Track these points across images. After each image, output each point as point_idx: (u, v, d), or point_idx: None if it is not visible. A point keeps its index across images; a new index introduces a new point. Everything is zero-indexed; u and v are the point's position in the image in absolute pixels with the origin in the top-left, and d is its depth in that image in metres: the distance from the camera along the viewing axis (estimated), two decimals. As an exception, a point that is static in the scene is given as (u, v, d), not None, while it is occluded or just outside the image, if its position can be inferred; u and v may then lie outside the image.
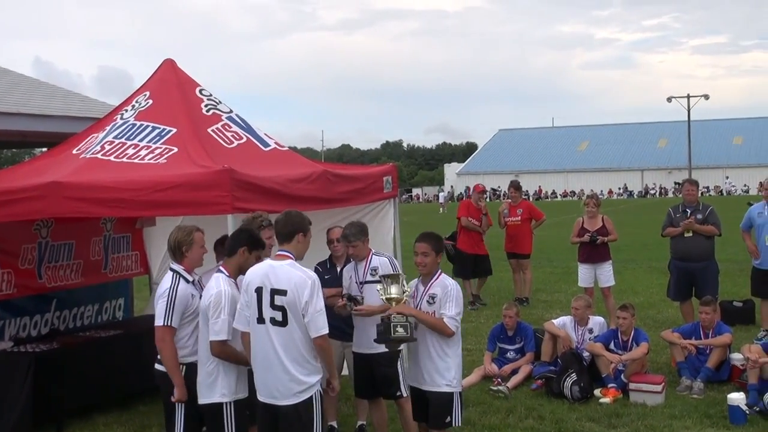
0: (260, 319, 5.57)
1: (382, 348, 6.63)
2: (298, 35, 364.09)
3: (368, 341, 6.94)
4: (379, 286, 6.11)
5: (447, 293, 6.01)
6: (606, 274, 12.42)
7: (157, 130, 7.82)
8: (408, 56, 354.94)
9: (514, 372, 9.80)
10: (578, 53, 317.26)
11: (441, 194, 76.62)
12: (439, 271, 6.19)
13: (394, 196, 9.55)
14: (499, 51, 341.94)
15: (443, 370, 6.12)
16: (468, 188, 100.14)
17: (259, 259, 6.07)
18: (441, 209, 64.77)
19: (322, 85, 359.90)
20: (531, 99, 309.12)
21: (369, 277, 7.19)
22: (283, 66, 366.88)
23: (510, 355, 10.13)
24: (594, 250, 12.31)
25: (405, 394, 7.09)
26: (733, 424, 7.97)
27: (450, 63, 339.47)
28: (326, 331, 5.50)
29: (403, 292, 6.07)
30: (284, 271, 5.54)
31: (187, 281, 6.26)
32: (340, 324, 7.67)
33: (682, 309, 11.67)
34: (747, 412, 8.06)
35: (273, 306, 5.50)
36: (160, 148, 7.63)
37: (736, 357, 9.41)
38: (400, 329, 5.90)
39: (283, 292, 5.47)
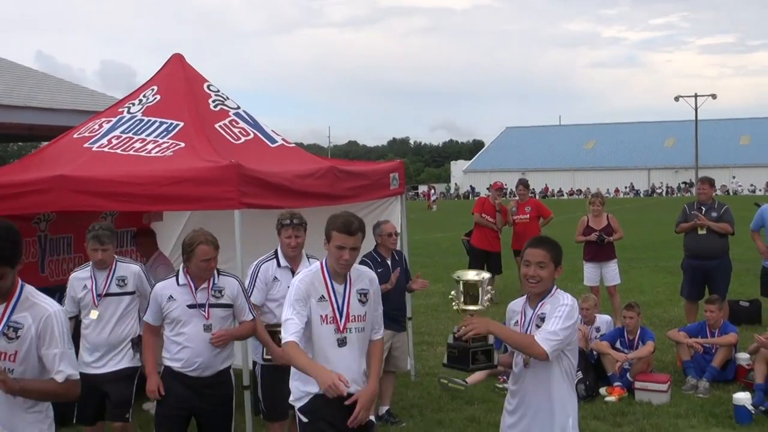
0: None
1: None
2: (305, 31, 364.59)
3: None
4: (452, 293, 4.78)
5: (557, 308, 4.55)
6: (612, 272, 12.39)
7: (164, 125, 7.85)
8: (415, 53, 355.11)
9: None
10: (585, 52, 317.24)
11: (432, 192, 76.15)
12: (555, 287, 4.72)
13: (401, 193, 9.55)
14: (506, 49, 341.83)
15: (570, 412, 4.67)
16: (472, 187, 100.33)
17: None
18: (431, 206, 64.27)
19: (329, 82, 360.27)
20: (538, 97, 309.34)
21: (115, 289, 6.62)
22: (290, 62, 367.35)
23: (515, 352, 10.12)
24: (600, 249, 12.29)
25: None
26: (738, 423, 7.95)
27: (457, 60, 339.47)
28: (286, 339, 4.78)
29: (486, 302, 4.74)
30: None
31: None
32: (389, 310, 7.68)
33: (687, 308, 11.64)
34: (752, 411, 8.05)
35: None
36: (168, 143, 7.65)
37: (742, 356, 9.40)
38: (481, 357, 4.73)
39: None
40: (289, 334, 4.74)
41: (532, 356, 4.48)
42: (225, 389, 6.06)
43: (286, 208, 7.22)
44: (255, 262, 6.62)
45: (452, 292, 4.76)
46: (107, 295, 6.58)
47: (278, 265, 6.56)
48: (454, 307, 4.73)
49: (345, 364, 4.80)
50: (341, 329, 4.89)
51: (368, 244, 8.15)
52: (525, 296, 4.81)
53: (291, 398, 4.93)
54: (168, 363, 5.99)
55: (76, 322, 6.63)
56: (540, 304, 4.66)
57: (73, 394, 4.12)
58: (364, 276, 5.09)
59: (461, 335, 4.55)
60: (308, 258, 6.60)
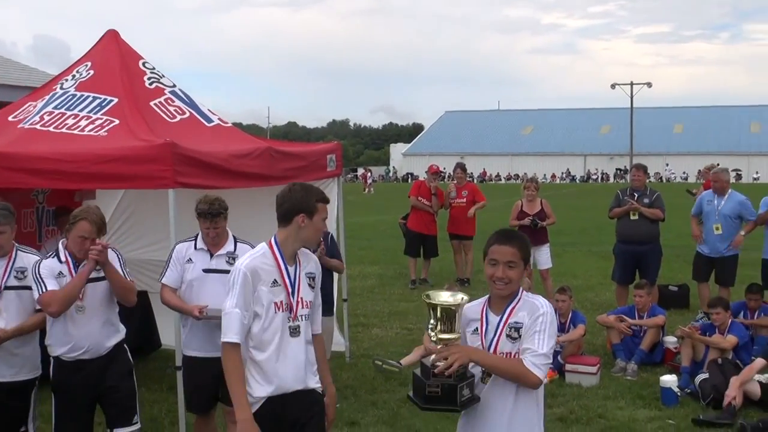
0: None
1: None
2: (245, 10, 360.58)
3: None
4: (432, 321, 3.93)
5: (537, 319, 3.84)
6: (544, 256, 12.57)
7: (98, 100, 7.70)
8: (356, 35, 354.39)
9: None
10: (525, 38, 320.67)
11: (369, 175, 76.16)
12: (521, 288, 4.03)
13: (338, 174, 9.54)
14: (446, 33, 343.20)
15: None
16: (410, 174, 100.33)
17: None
18: (366, 190, 64.17)
19: (269, 62, 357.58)
20: (478, 82, 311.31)
21: (13, 281, 5.69)
22: (230, 41, 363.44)
23: (450, 335, 10.19)
24: (533, 234, 12.43)
25: None
26: (664, 405, 8.15)
27: (398, 43, 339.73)
28: (225, 339, 4.29)
29: (458, 330, 3.96)
30: None
31: None
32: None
33: (618, 292, 11.88)
34: (678, 393, 8.25)
35: None
36: (101, 119, 7.51)
37: (670, 340, 9.63)
38: (466, 391, 3.85)
39: None
40: (233, 332, 4.26)
41: (523, 385, 3.80)
42: (123, 364, 5.80)
43: (222, 188, 7.18)
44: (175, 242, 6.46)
45: (431, 322, 3.93)
46: (6, 288, 5.67)
47: (195, 247, 6.25)
48: (432, 338, 3.91)
49: (300, 357, 4.48)
50: (294, 316, 4.46)
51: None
52: (483, 299, 4.07)
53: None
54: (56, 353, 5.63)
55: None
56: (509, 310, 3.93)
57: None
58: (310, 258, 4.67)
59: (442, 370, 3.74)
60: (236, 241, 6.31)
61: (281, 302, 4.42)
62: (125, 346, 5.92)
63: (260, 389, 4.37)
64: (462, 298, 3.92)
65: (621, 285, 11.75)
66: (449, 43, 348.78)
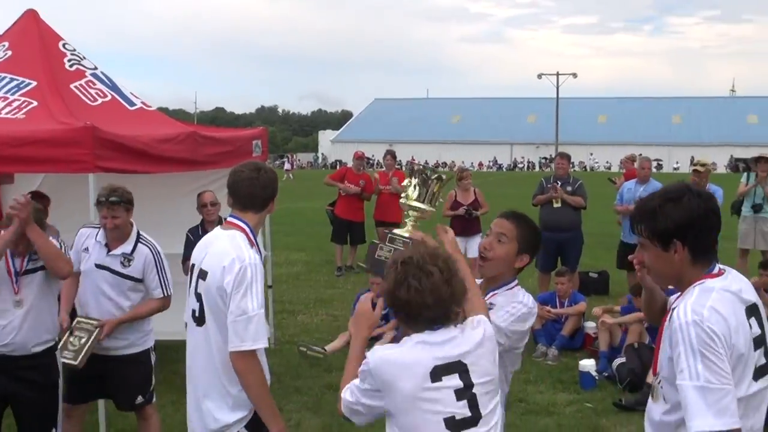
0: (188, 315, 4.17)
1: None
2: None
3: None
4: (405, 181, 3.74)
5: (511, 303, 3.59)
6: (476, 245, 12.63)
7: (15, 82, 7.50)
8: (286, 20, 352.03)
9: (379, 337, 9.93)
10: (453, 27, 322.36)
11: (285, 162, 75.20)
12: (515, 281, 3.73)
13: (263, 160, 9.49)
14: (377, 19, 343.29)
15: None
16: (338, 161, 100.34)
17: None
18: (285, 176, 63.62)
19: (196, 45, 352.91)
20: (407, 70, 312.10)
21: None
22: (156, 24, 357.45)
23: (375, 321, 10.23)
24: (468, 223, 12.58)
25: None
26: (583, 388, 8.34)
27: (328, 30, 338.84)
28: (254, 345, 3.86)
29: (435, 205, 3.75)
30: (219, 245, 4.02)
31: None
32: None
33: (540, 279, 12.08)
34: (596, 377, 8.46)
35: (195, 293, 4.08)
36: (19, 100, 7.32)
37: (590, 325, 9.85)
38: None
39: (205, 275, 4.00)
40: (264, 336, 3.92)
41: None
42: (48, 374, 5.47)
43: (144, 173, 7.09)
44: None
45: (405, 181, 3.75)
46: None
47: (96, 237, 5.83)
48: (401, 201, 3.73)
49: None
50: None
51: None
52: (481, 281, 3.77)
53: (238, 415, 4.01)
54: None
55: None
56: (491, 293, 3.65)
57: None
58: None
59: (401, 235, 3.53)
60: (138, 240, 5.84)
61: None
62: (57, 354, 5.60)
63: None
64: (445, 176, 3.72)
65: (543, 272, 11.95)
66: (379, 30, 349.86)
